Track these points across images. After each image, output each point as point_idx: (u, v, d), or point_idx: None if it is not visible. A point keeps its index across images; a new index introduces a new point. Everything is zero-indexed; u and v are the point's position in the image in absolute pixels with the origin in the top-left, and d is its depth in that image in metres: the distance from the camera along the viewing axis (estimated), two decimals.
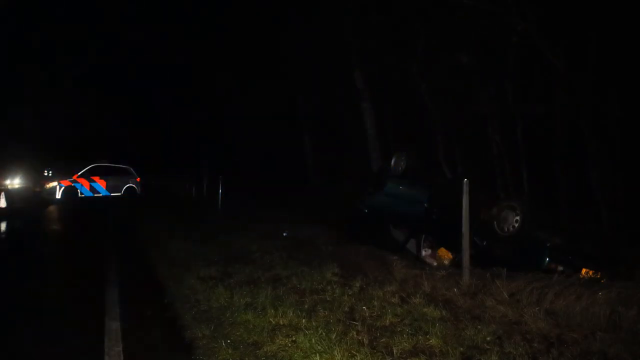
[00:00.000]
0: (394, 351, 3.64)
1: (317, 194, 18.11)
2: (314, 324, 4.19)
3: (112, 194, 18.69)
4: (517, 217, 6.94)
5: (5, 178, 28.23)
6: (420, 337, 3.90)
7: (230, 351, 3.67)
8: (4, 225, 11.23)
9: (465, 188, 5.49)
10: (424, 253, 8.04)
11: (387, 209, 8.63)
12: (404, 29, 14.54)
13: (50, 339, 3.96)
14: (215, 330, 4.12)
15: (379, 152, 15.68)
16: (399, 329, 4.10)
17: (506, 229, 7.03)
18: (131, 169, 20.13)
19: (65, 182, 17.57)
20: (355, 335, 3.93)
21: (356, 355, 3.52)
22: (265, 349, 3.72)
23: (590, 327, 4.08)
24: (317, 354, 3.54)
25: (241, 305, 4.74)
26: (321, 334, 3.89)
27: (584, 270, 6.22)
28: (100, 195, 18.37)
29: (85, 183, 18.01)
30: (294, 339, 3.86)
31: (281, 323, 4.23)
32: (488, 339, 3.86)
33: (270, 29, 21.03)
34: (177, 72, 29.30)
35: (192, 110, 29.81)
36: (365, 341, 3.81)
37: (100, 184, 18.41)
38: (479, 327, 4.10)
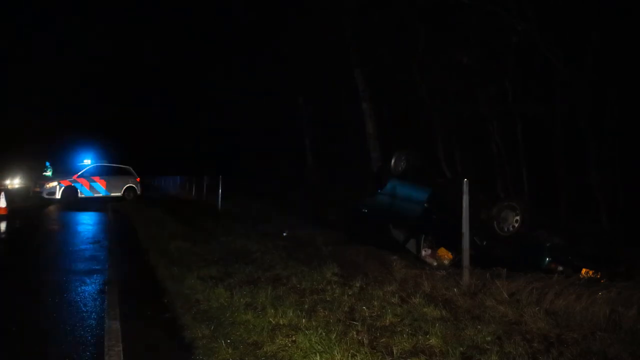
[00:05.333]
0: (394, 351, 3.64)
1: (317, 194, 18.10)
2: (314, 324, 4.19)
3: (112, 194, 18.68)
4: (517, 217, 6.96)
5: (5, 178, 28.25)
6: (420, 337, 3.90)
7: (230, 351, 3.67)
8: (3, 225, 11.23)
9: (465, 188, 5.49)
10: (424, 253, 8.04)
11: (387, 209, 8.63)
12: (404, 29, 14.54)
13: (49, 340, 3.95)
14: (215, 330, 4.12)
15: (379, 152, 15.67)
16: (399, 329, 4.10)
17: (506, 229, 7.04)
18: (131, 168, 20.13)
19: (65, 182, 17.57)
20: (355, 335, 3.92)
21: (356, 355, 3.52)
22: (265, 349, 3.72)
23: (590, 327, 4.08)
24: (317, 354, 3.54)
25: (241, 305, 4.74)
26: (321, 334, 3.89)
27: (584, 270, 6.23)
28: (100, 195, 18.36)
29: (85, 183, 18.01)
30: (294, 338, 3.86)
31: (281, 323, 4.23)
32: (488, 339, 3.86)
33: (270, 28, 21.03)
34: (177, 72, 29.32)
35: (192, 110, 29.82)
36: (365, 341, 3.80)
37: (100, 184, 18.41)
38: (479, 327, 4.10)
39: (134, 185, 19.51)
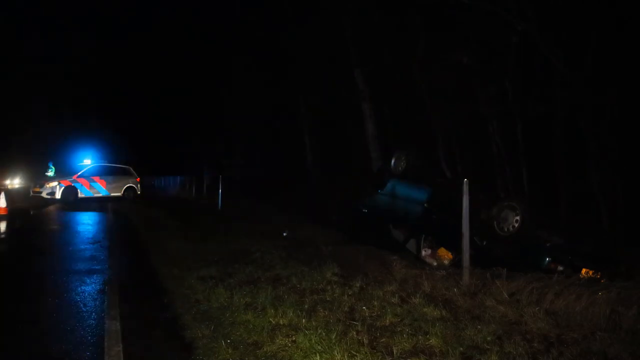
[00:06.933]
0: (394, 351, 3.64)
1: (317, 194, 18.10)
2: (314, 324, 4.19)
3: (112, 194, 18.68)
4: (517, 217, 6.95)
5: (5, 178, 28.26)
6: (420, 337, 3.90)
7: (230, 351, 3.67)
8: (3, 225, 11.22)
9: (465, 188, 5.49)
10: (424, 253, 8.05)
11: (387, 209, 8.64)
12: (404, 29, 14.54)
13: (50, 340, 3.95)
14: (215, 330, 4.12)
15: (379, 152, 15.66)
16: (399, 329, 4.10)
17: (506, 229, 7.04)
18: (131, 169, 20.12)
19: (65, 182, 17.55)
20: (355, 335, 3.93)
21: (356, 355, 3.52)
22: (265, 349, 3.72)
23: (590, 327, 4.08)
24: (317, 354, 3.54)
25: (241, 305, 4.74)
26: (321, 334, 3.89)
27: (584, 270, 6.23)
28: (100, 195, 18.36)
29: (85, 183, 18.00)
30: (294, 339, 3.86)
31: (281, 323, 4.23)
32: (488, 339, 3.86)
33: (271, 28, 21.03)
34: (178, 70, 29.30)
35: (192, 109, 29.80)
36: (365, 341, 3.81)
37: (100, 184, 18.40)
38: (479, 327, 4.11)
39: (134, 185, 19.51)
